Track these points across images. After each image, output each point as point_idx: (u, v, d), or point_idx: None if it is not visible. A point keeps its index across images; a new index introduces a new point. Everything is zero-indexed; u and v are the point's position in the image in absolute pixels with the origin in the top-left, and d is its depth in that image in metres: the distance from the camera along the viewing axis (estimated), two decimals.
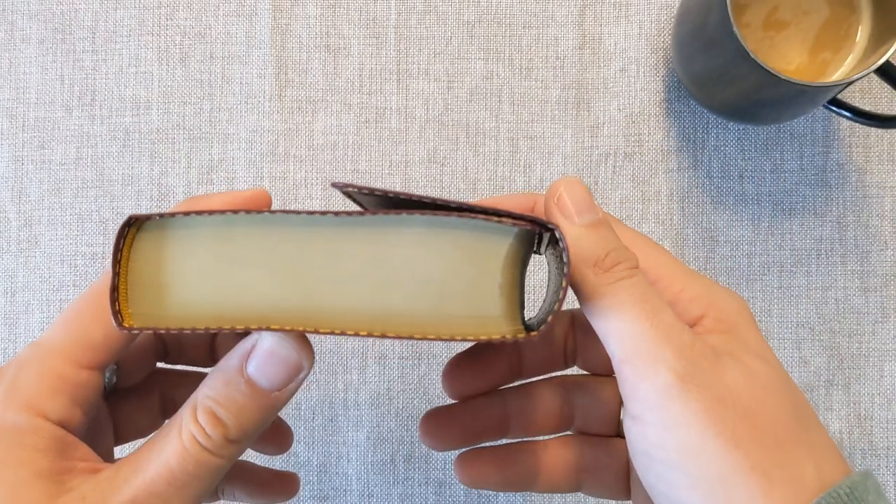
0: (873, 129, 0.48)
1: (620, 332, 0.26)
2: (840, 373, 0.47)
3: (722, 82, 0.43)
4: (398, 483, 0.47)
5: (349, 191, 0.26)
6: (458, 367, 0.33)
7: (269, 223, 0.24)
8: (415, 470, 0.47)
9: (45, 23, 0.48)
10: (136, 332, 0.24)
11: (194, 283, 0.24)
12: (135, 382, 0.32)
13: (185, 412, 0.25)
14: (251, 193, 0.29)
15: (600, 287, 0.26)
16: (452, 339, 0.24)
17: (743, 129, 0.48)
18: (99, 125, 0.48)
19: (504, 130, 0.48)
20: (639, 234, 0.30)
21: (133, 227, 0.24)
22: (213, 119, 0.48)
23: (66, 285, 0.48)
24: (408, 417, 0.47)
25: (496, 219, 0.24)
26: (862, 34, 0.43)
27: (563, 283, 0.24)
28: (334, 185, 0.24)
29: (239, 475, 0.35)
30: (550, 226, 0.24)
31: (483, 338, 0.24)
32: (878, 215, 0.48)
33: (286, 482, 0.36)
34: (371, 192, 0.25)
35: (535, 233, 0.25)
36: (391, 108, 0.48)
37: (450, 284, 0.24)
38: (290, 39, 0.48)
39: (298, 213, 0.24)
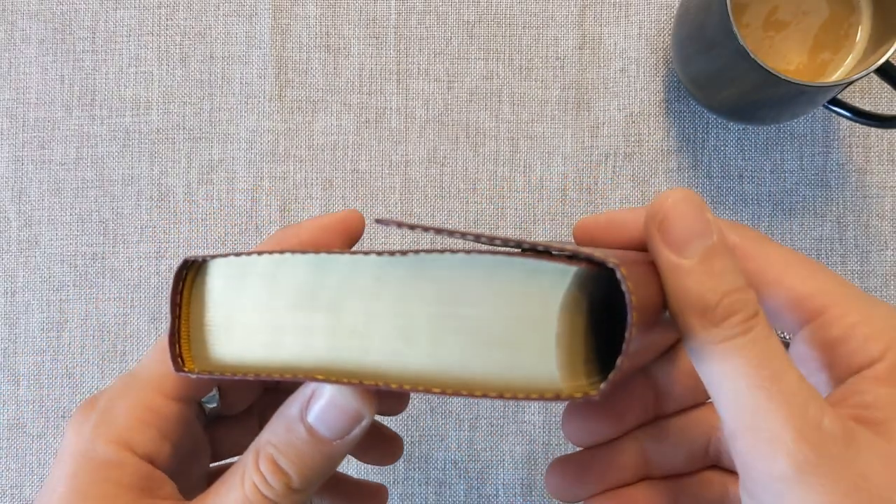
0: (873, 129, 0.48)
1: (731, 401, 0.21)
2: None
3: (722, 82, 0.43)
4: (398, 483, 0.47)
5: (393, 227, 0.25)
6: (579, 412, 0.29)
7: (324, 266, 0.23)
8: (415, 470, 0.47)
9: (46, 23, 0.48)
10: (194, 377, 0.24)
11: (250, 327, 0.24)
12: (240, 410, 0.31)
13: (248, 459, 0.25)
14: (343, 216, 0.28)
15: (708, 344, 0.22)
16: (501, 397, 0.21)
17: (743, 129, 0.48)
18: (99, 125, 0.48)
19: (504, 130, 0.48)
20: (791, 253, 0.25)
21: (191, 269, 0.24)
22: (213, 119, 0.48)
23: (67, 285, 0.48)
24: (407, 417, 0.47)
25: (544, 257, 0.21)
26: (862, 34, 0.43)
27: (627, 335, 0.20)
28: (378, 221, 0.22)
29: (330, 485, 0.33)
30: (610, 264, 0.20)
31: (534, 396, 0.21)
32: (877, 215, 0.48)
33: (375, 493, 0.35)
34: (413, 228, 0.22)
35: (601, 272, 0.21)
36: (391, 108, 0.48)
37: (501, 333, 0.22)
38: (290, 39, 0.48)
39: (354, 253, 0.22)
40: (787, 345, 0.25)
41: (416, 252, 0.22)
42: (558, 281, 0.21)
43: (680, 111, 0.48)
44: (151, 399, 0.25)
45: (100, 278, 0.48)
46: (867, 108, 0.45)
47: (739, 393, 0.21)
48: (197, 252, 0.24)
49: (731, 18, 0.38)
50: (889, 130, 0.48)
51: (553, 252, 0.21)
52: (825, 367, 0.24)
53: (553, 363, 0.21)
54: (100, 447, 0.24)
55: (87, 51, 0.48)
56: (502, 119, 0.48)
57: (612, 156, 0.48)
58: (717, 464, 0.30)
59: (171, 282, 0.47)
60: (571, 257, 0.21)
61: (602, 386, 0.20)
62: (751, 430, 0.21)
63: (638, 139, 0.48)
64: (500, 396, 0.21)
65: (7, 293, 0.48)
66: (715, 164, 0.48)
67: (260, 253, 0.24)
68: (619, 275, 0.20)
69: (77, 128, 0.48)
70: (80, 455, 0.24)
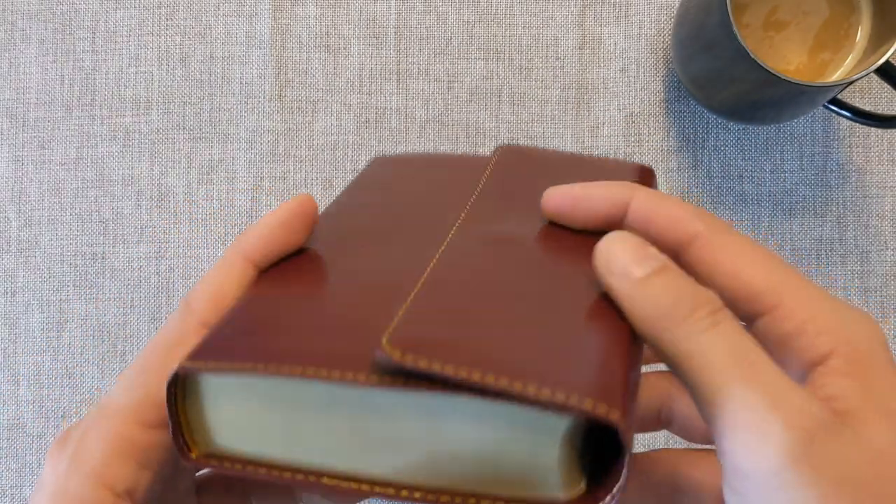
0: (873, 130, 0.48)
1: (711, 399, 0.21)
2: None
3: (722, 82, 0.43)
4: None
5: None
6: None
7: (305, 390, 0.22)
8: None
9: (46, 23, 0.48)
10: (201, 466, 0.23)
11: (240, 427, 0.23)
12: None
13: None
14: (296, 205, 0.27)
15: (678, 344, 0.21)
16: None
17: (743, 129, 0.48)
18: (99, 125, 0.48)
19: (504, 130, 0.48)
20: (750, 245, 0.25)
21: (179, 384, 0.23)
22: (213, 119, 0.48)
23: (67, 285, 0.48)
24: None
25: (540, 407, 0.20)
26: (862, 34, 0.43)
27: (623, 472, 0.20)
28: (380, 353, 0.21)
29: None
30: (611, 422, 0.19)
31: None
32: (877, 215, 0.48)
33: None
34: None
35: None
36: (391, 108, 0.48)
37: (504, 460, 0.21)
38: (290, 39, 0.48)
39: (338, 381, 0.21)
40: None
41: (430, 391, 0.21)
42: (560, 420, 0.21)
43: (680, 111, 0.48)
44: (124, 429, 0.24)
45: (100, 278, 0.48)
46: (867, 108, 0.45)
47: (719, 389, 0.21)
48: (186, 363, 0.23)
49: (732, 18, 0.38)
50: (889, 130, 0.48)
51: (553, 403, 0.19)
52: (780, 362, 0.23)
53: (555, 480, 0.21)
54: (74, 485, 0.24)
55: (88, 51, 0.48)
56: (502, 119, 0.48)
57: (613, 156, 0.48)
58: (668, 428, 0.31)
59: (170, 282, 0.47)
60: (569, 408, 0.20)
61: (608, 499, 0.20)
62: (736, 425, 0.20)
63: (638, 139, 0.48)
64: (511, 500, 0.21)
65: (7, 293, 0.48)
66: (715, 164, 0.48)
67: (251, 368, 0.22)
68: (621, 435, 0.19)
69: (77, 128, 0.48)
70: (55, 496, 0.24)
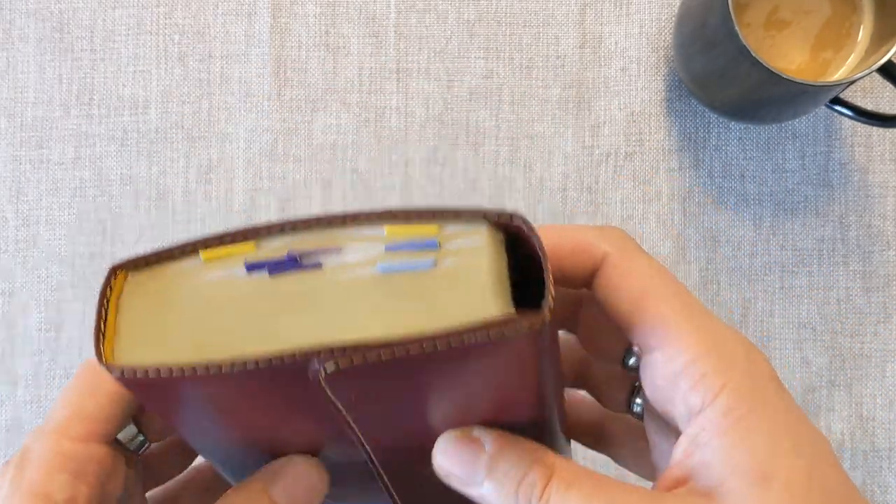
0: (875, 129, 0.48)
1: None
2: (842, 373, 0.47)
3: (723, 82, 0.43)
4: None
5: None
6: None
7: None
8: None
9: (44, 22, 0.48)
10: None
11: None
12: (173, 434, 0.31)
13: None
14: None
15: None
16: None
17: (744, 128, 0.48)
18: (97, 124, 0.48)
19: (504, 130, 0.48)
20: (653, 270, 0.25)
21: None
22: (211, 118, 0.48)
23: (65, 285, 0.48)
24: None
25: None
26: (864, 33, 0.43)
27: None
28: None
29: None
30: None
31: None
32: (880, 215, 0.48)
33: None
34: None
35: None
36: (391, 108, 0.48)
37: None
38: (289, 38, 0.48)
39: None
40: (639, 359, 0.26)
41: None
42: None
43: (681, 110, 0.48)
44: (59, 444, 0.26)
45: (98, 278, 0.47)
46: (869, 107, 0.45)
47: None
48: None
49: (733, 17, 0.38)
50: (891, 130, 0.48)
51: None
52: (671, 403, 0.24)
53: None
54: (22, 499, 0.25)
55: (86, 50, 0.48)
56: (502, 118, 0.48)
57: (613, 155, 0.48)
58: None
59: None
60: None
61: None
62: None
63: (639, 138, 0.48)
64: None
65: (5, 293, 0.48)
66: (716, 163, 0.48)
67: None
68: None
69: (75, 127, 0.48)
70: None
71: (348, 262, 0.22)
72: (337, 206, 0.48)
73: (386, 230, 0.22)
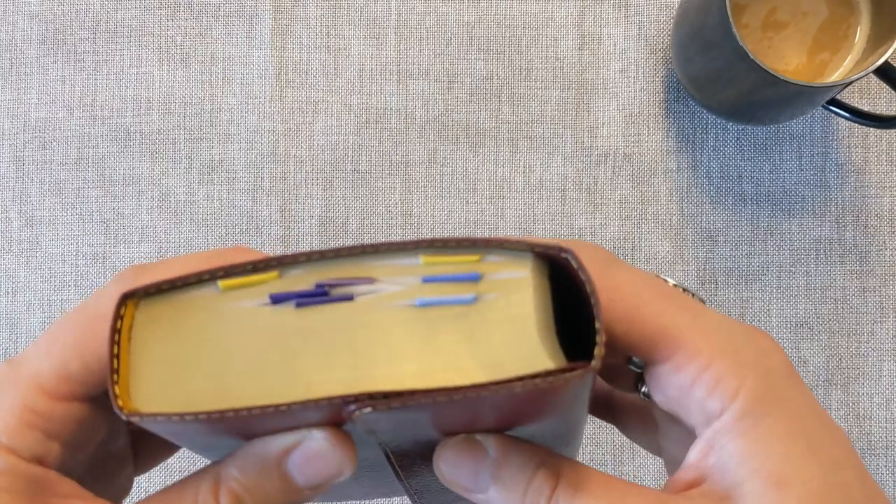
0: (872, 130, 0.48)
1: None
2: (839, 372, 0.48)
3: (721, 83, 0.43)
4: None
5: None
6: None
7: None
8: None
9: (47, 23, 0.48)
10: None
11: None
12: None
13: (204, 484, 0.23)
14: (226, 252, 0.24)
15: None
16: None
17: (742, 129, 0.48)
18: (100, 125, 0.48)
19: (504, 131, 0.48)
20: (640, 279, 0.23)
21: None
22: (213, 119, 0.48)
23: (68, 285, 0.48)
24: None
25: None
26: (860, 35, 0.43)
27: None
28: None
29: None
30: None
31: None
32: (876, 215, 0.48)
33: None
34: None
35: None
36: (391, 109, 0.48)
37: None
38: (291, 40, 0.48)
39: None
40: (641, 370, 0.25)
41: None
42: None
43: (679, 111, 0.48)
44: (32, 399, 0.23)
45: (101, 278, 0.48)
46: (866, 108, 0.45)
47: None
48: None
49: (731, 19, 0.38)
50: (888, 130, 0.48)
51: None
52: (685, 409, 0.23)
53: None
54: None
55: (89, 51, 0.48)
56: (502, 119, 0.48)
57: (612, 156, 0.48)
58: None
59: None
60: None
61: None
62: None
63: (637, 139, 0.48)
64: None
65: (9, 293, 0.48)
66: (714, 164, 0.48)
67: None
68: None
69: (78, 128, 0.48)
70: None
71: (382, 295, 0.20)
72: (338, 208, 0.48)
73: (423, 260, 0.20)
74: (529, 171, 0.48)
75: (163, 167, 0.48)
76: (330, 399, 0.19)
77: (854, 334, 0.48)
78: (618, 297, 0.23)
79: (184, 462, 0.46)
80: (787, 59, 0.43)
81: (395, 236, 0.48)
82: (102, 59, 0.48)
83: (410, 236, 0.48)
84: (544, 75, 0.48)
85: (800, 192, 0.48)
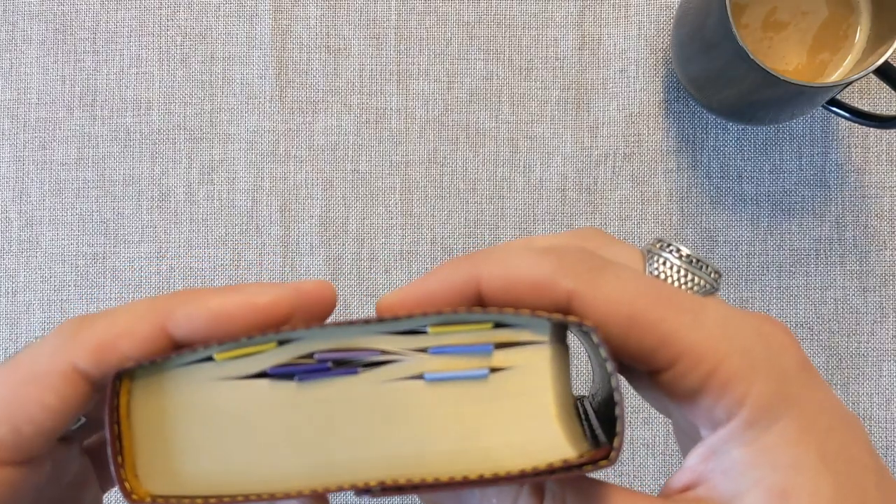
0: (872, 130, 0.48)
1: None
2: (838, 373, 0.48)
3: (721, 83, 0.43)
4: None
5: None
6: None
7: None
8: None
9: (47, 23, 0.48)
10: None
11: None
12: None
13: None
14: (312, 288, 0.22)
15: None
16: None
17: (742, 129, 0.48)
18: (100, 125, 0.48)
19: (504, 131, 0.48)
20: (632, 284, 0.21)
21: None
22: (213, 119, 0.48)
23: (68, 285, 0.48)
24: None
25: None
26: (861, 35, 0.43)
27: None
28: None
29: None
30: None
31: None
32: (876, 215, 0.48)
33: None
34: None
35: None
36: (391, 109, 0.48)
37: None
38: (291, 40, 0.48)
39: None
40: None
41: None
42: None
43: (679, 111, 0.48)
44: None
45: (101, 278, 0.48)
46: (866, 108, 0.45)
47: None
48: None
49: (731, 19, 0.38)
50: (888, 130, 0.48)
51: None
52: (692, 414, 0.22)
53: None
54: None
55: (89, 51, 0.48)
56: (502, 119, 0.48)
57: (612, 156, 0.48)
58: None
59: (171, 283, 0.48)
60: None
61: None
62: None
63: (637, 139, 0.48)
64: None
65: (8, 293, 0.48)
66: (714, 164, 0.48)
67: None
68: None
69: (78, 128, 0.48)
70: None
71: (388, 369, 0.19)
72: (337, 208, 0.48)
73: (430, 330, 0.19)
74: (529, 171, 0.48)
75: (163, 167, 0.48)
76: (343, 487, 0.18)
77: (854, 334, 0.48)
78: (612, 310, 0.21)
79: None
80: (787, 59, 0.43)
81: (396, 237, 0.48)
82: (102, 58, 0.48)
83: (410, 237, 0.48)
84: (544, 75, 0.48)
85: (800, 192, 0.48)
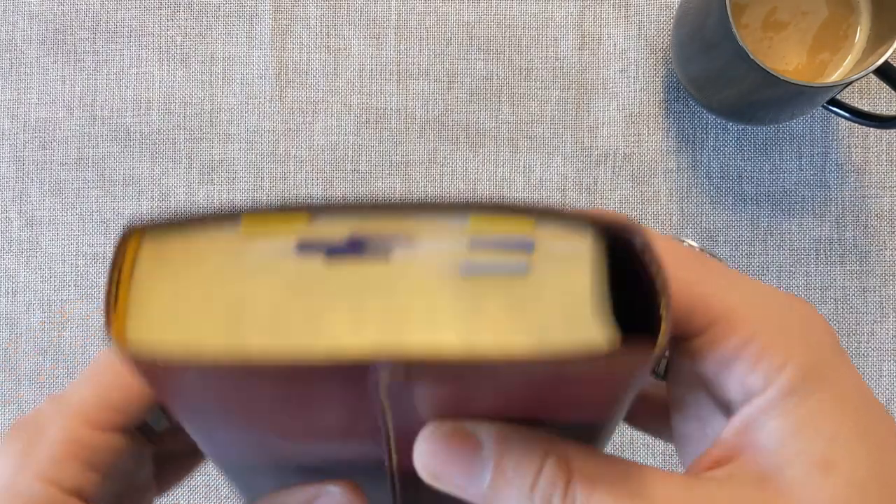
0: (872, 130, 0.48)
1: None
2: None
3: (721, 83, 0.43)
4: None
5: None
6: None
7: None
8: None
9: (47, 23, 0.48)
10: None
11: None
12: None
13: None
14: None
15: None
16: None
17: (742, 129, 0.48)
18: (100, 125, 0.48)
19: (504, 131, 0.48)
20: (671, 249, 0.21)
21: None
22: (213, 119, 0.48)
23: (68, 285, 0.48)
24: None
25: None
26: (861, 34, 0.43)
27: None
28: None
29: None
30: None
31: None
32: (876, 215, 0.48)
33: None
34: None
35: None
36: (391, 109, 0.48)
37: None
38: (291, 40, 0.48)
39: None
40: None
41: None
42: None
43: (679, 111, 0.48)
44: (76, 430, 0.24)
45: (101, 278, 0.48)
46: (866, 108, 0.45)
47: None
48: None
49: (731, 19, 0.38)
50: (888, 131, 0.48)
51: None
52: (721, 383, 0.21)
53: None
54: (23, 483, 0.24)
55: (89, 51, 0.48)
56: (502, 119, 0.48)
57: (612, 156, 0.48)
58: None
59: None
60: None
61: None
62: None
63: (637, 139, 0.48)
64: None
65: (8, 293, 0.48)
66: (714, 164, 0.48)
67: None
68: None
69: (78, 128, 0.48)
70: (4, 490, 0.24)
71: (423, 255, 0.18)
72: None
73: (471, 221, 0.18)
74: (529, 171, 0.48)
75: (163, 167, 0.48)
76: (361, 360, 0.17)
77: (854, 334, 0.48)
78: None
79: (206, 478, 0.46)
80: (787, 59, 0.43)
81: None
82: (102, 58, 0.48)
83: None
84: (544, 75, 0.48)
85: (800, 192, 0.48)
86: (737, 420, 0.21)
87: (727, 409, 0.22)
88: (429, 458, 0.20)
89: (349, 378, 0.18)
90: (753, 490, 0.20)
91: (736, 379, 0.21)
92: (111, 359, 0.25)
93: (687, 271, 0.21)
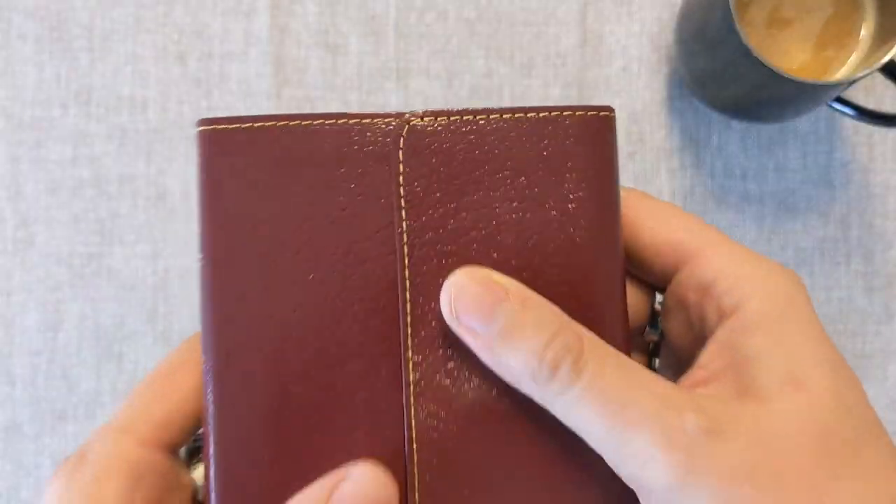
0: (877, 128, 0.48)
1: (599, 445, 0.22)
2: None
3: (724, 80, 0.43)
4: None
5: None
6: None
7: None
8: None
9: (42, 21, 0.48)
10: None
11: None
12: None
13: None
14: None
15: (551, 402, 0.22)
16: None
17: (746, 127, 0.48)
18: (95, 124, 0.48)
19: None
20: (670, 206, 0.26)
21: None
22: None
23: (63, 285, 0.47)
24: None
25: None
26: (866, 31, 0.42)
27: None
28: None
29: None
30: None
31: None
32: (881, 215, 0.48)
33: None
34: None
35: None
36: (390, 107, 0.48)
37: None
38: (289, 37, 0.48)
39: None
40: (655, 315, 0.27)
41: None
42: None
43: (682, 109, 0.48)
44: (120, 445, 0.25)
45: (96, 278, 0.47)
46: (871, 106, 0.45)
47: (601, 437, 0.21)
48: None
49: (734, 16, 0.38)
50: (893, 129, 0.48)
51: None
52: (701, 309, 0.25)
53: None
54: (72, 500, 0.24)
55: (84, 49, 0.48)
56: None
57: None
58: None
59: (167, 282, 0.47)
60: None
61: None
62: (626, 461, 0.21)
63: (640, 138, 0.48)
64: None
65: (3, 293, 0.47)
66: (718, 162, 0.48)
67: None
68: None
69: (73, 126, 0.48)
70: None
71: None
72: None
73: None
74: None
75: (159, 166, 0.48)
76: (398, 115, 0.25)
77: (859, 335, 0.47)
78: (647, 214, 0.26)
79: None
80: (792, 57, 0.43)
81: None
82: (98, 56, 0.48)
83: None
84: (545, 73, 0.48)
85: (804, 191, 0.48)
86: (710, 345, 0.24)
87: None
88: (457, 291, 0.22)
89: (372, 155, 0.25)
90: (737, 403, 0.22)
91: (713, 301, 0.24)
92: (152, 379, 0.26)
93: (681, 219, 0.26)
